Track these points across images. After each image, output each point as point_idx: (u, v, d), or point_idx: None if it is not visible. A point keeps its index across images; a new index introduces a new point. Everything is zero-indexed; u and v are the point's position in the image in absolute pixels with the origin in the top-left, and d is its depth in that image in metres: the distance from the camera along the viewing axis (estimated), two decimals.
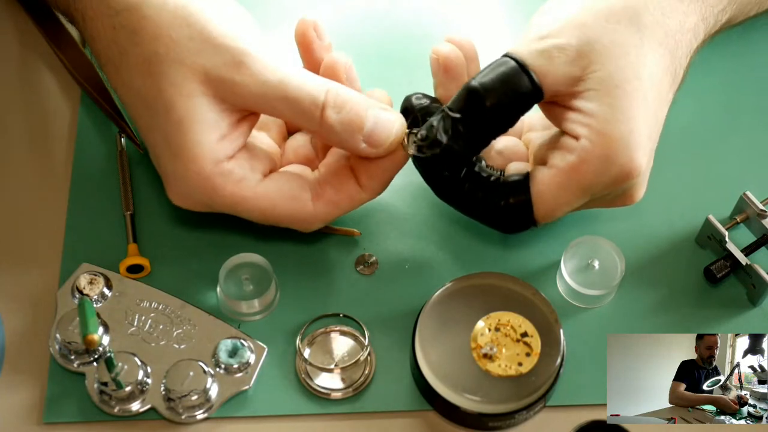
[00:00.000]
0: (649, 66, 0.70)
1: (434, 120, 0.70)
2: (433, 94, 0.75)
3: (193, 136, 0.68)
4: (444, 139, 0.70)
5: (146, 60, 0.68)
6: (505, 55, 0.70)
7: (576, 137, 0.70)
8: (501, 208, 0.71)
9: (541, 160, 0.73)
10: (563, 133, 0.71)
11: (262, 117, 0.75)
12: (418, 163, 0.73)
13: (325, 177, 0.73)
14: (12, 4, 0.90)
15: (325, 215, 0.72)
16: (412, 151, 0.71)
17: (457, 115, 0.70)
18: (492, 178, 0.72)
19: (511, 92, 0.69)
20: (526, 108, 0.70)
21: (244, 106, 0.70)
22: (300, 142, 0.77)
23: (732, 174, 0.84)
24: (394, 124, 0.71)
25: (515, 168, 0.74)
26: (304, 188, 0.72)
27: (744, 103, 0.87)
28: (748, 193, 0.80)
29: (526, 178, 0.71)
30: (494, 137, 0.71)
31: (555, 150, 0.71)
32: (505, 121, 0.70)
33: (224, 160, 0.70)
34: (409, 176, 0.78)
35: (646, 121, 0.69)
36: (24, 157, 0.84)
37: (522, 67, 0.69)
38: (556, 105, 0.71)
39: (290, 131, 0.78)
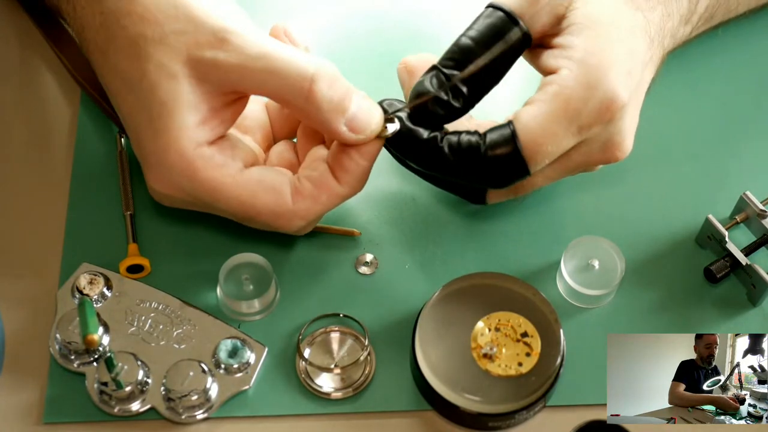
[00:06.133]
0: (626, 18, 0.72)
1: (427, 77, 0.71)
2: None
3: (176, 117, 0.69)
4: (441, 95, 0.70)
5: (133, 42, 0.69)
6: (489, 6, 0.72)
7: (556, 70, 0.71)
8: (488, 159, 0.71)
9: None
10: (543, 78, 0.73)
11: (247, 122, 0.76)
12: (399, 136, 0.72)
13: (304, 173, 0.73)
14: (12, 4, 0.90)
15: (305, 211, 0.72)
16: (389, 131, 0.71)
17: (455, 72, 0.70)
18: (472, 132, 0.72)
19: (501, 41, 0.71)
20: (517, 54, 0.72)
21: (229, 85, 0.70)
22: (283, 148, 0.77)
23: (732, 174, 0.84)
24: (375, 113, 0.71)
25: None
26: (284, 183, 0.72)
27: (744, 103, 0.87)
28: (748, 193, 0.80)
29: (508, 123, 0.71)
30: (488, 90, 0.72)
31: (536, 92, 0.71)
32: (498, 72, 0.71)
33: (204, 144, 0.70)
34: (408, 176, 0.78)
35: (625, 57, 0.71)
36: (24, 157, 0.84)
37: (509, 15, 0.71)
38: (540, 48, 0.73)
39: (276, 139, 0.78)
